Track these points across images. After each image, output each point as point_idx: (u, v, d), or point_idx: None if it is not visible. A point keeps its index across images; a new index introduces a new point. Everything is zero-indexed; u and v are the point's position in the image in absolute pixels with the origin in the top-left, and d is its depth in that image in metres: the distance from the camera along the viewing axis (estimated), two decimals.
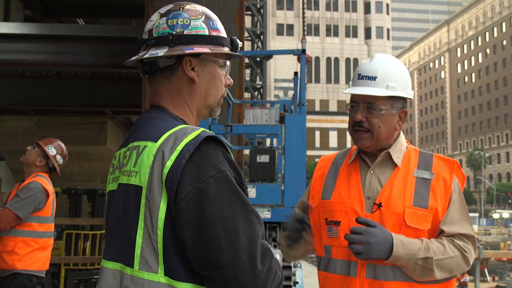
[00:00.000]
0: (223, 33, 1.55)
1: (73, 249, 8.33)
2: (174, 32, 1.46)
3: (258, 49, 23.39)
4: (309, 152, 52.29)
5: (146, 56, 1.47)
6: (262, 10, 23.69)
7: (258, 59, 22.82)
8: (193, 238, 1.29)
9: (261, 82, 23.90)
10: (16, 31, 8.36)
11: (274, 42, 59.56)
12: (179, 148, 1.34)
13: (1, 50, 8.31)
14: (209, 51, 1.48)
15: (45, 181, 4.10)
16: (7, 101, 11.02)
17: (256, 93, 23.97)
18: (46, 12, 10.67)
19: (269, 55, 23.31)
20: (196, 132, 1.37)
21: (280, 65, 57.01)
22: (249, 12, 23.34)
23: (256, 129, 6.11)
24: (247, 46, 24.42)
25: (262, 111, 6.53)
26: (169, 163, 1.33)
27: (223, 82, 1.58)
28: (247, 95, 23.75)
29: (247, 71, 24.43)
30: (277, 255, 1.45)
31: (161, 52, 1.45)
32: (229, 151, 1.43)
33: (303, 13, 19.07)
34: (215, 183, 1.31)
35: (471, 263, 2.00)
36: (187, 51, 1.45)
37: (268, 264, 1.31)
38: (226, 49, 1.53)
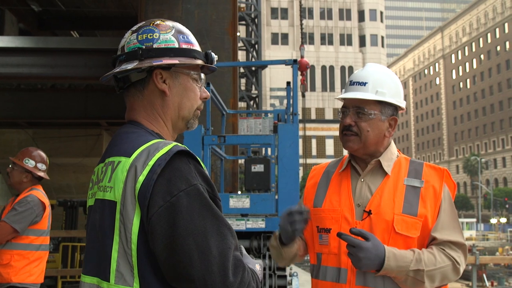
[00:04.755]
0: (196, 47, 1.57)
1: (70, 262, 8.33)
2: (144, 46, 1.50)
3: (253, 59, 23.45)
4: (306, 160, 52.23)
5: (117, 70, 1.50)
6: (256, 20, 23.78)
7: (253, 68, 22.88)
8: (165, 252, 1.31)
9: (256, 91, 23.94)
10: (10, 45, 8.38)
11: (269, 51, 59.81)
12: (151, 163, 1.35)
13: None
14: (178, 62, 1.50)
15: (41, 194, 4.11)
16: (2, 114, 11.00)
17: (251, 102, 24.02)
18: (41, 25, 10.70)
19: (263, 65, 23.36)
20: (168, 146, 1.38)
21: (276, 74, 57.16)
22: (243, 22, 23.44)
23: (250, 139, 6.11)
24: (242, 55, 24.48)
25: (256, 120, 6.54)
26: (141, 178, 1.34)
27: (198, 94, 1.60)
28: (242, 104, 23.78)
29: (243, 81, 24.49)
30: (257, 265, 1.47)
31: (130, 65, 1.48)
32: (202, 164, 1.44)
33: (300, 20, 19.06)
34: (186, 197, 1.32)
35: (461, 273, 2.02)
36: (155, 63, 1.48)
37: (240, 276, 1.33)
38: (198, 61, 1.55)
